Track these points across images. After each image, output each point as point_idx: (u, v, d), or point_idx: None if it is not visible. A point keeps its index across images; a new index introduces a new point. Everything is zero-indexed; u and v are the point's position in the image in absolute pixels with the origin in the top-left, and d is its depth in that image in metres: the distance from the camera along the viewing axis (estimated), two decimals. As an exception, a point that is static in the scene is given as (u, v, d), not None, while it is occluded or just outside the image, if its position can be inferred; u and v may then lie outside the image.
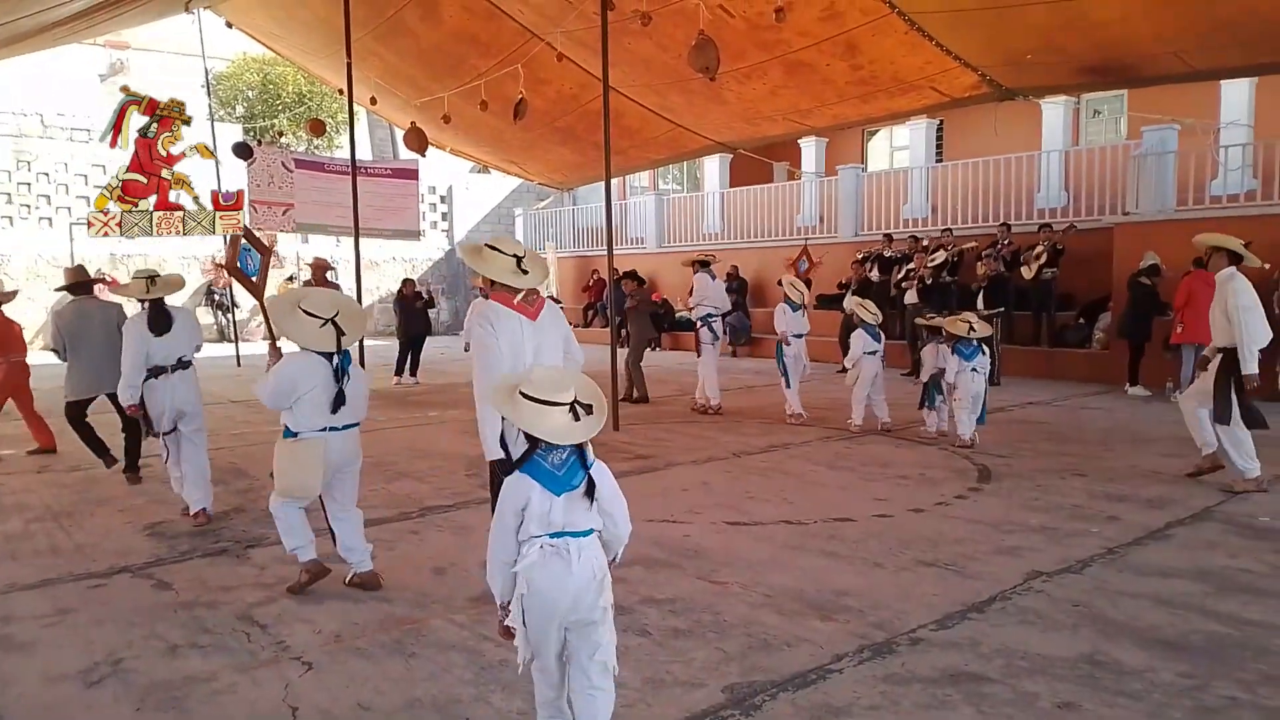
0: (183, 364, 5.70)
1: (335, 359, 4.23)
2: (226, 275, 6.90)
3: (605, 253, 9.73)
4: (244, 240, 5.74)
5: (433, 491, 6.40)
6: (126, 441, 6.76)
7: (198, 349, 5.92)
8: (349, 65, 12.12)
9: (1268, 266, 6.91)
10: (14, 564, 4.89)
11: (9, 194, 18.88)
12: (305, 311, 4.22)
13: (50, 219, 18.88)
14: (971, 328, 7.75)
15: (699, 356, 10.31)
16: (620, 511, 2.76)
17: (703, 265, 10.70)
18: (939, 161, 17.93)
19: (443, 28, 12.28)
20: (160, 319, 5.62)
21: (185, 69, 21.45)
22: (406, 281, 13.85)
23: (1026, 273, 12.72)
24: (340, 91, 14.22)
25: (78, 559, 4.95)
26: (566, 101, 13.44)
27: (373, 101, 15.19)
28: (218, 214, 10.21)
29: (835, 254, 15.79)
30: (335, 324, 4.23)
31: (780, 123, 13.45)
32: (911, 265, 13.57)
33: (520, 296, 3.90)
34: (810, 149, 19.58)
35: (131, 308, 6.08)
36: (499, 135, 15.33)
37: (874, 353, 8.65)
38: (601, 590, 2.67)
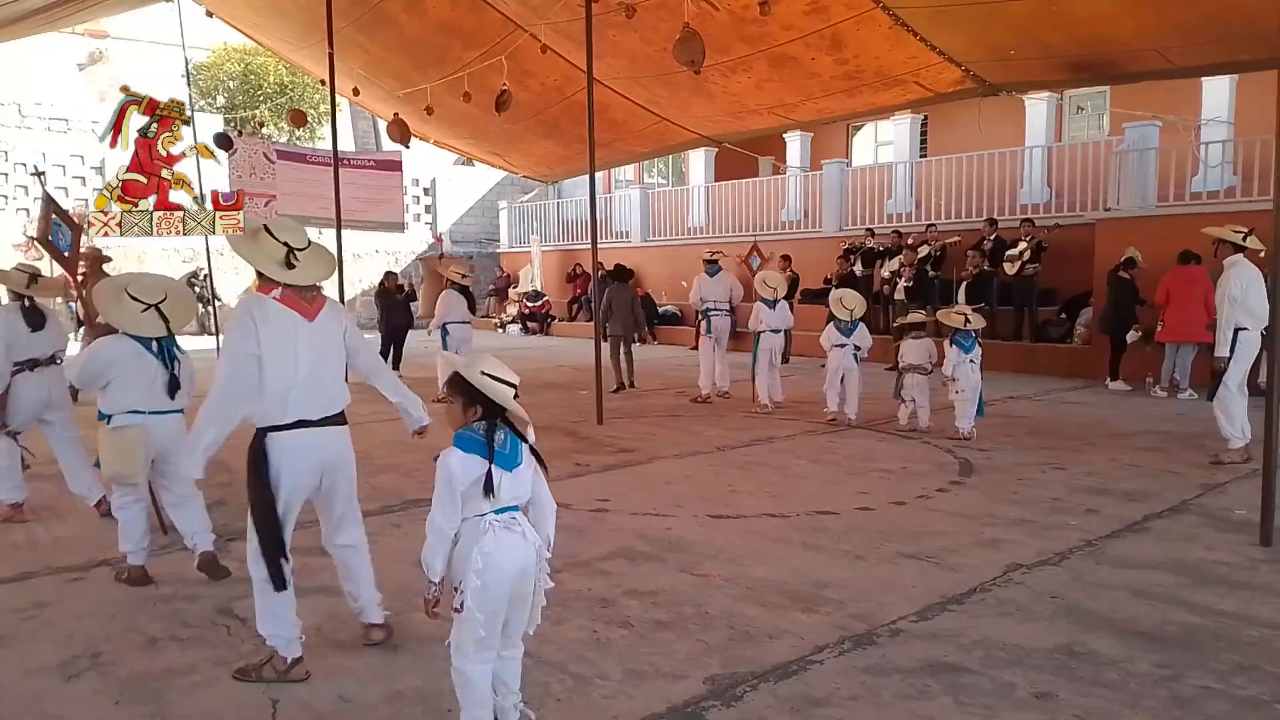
0: (55, 360, 5.69)
1: (156, 344, 4.36)
2: (39, 247, 7.07)
3: (589, 246, 9.73)
4: (55, 215, 5.85)
5: (416, 485, 6.39)
6: None
7: (63, 348, 5.89)
8: (331, 56, 12.04)
9: (1262, 253, 7.11)
10: (-9, 557, 4.85)
11: (-13, 184, 18.69)
12: (131, 296, 4.34)
13: (28, 210, 18.69)
14: (967, 319, 7.83)
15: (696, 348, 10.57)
16: (545, 487, 2.88)
17: (709, 263, 10.90)
18: (923, 156, 18.00)
19: (426, 18, 12.20)
20: (35, 315, 5.66)
21: (165, 59, 21.23)
22: (388, 274, 13.81)
23: (1009, 268, 12.80)
24: (322, 82, 14.14)
25: (56, 553, 4.92)
26: (550, 94, 13.39)
27: (355, 92, 15.09)
28: (218, 214, 10.22)
29: (819, 248, 15.84)
30: (159, 310, 4.32)
31: (765, 116, 13.44)
32: (901, 259, 13.59)
33: (278, 292, 3.44)
34: (795, 143, 19.62)
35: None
36: (483, 127, 15.25)
37: (842, 346, 8.75)
38: (540, 562, 2.80)
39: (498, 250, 25.12)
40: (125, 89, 7.56)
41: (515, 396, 2.78)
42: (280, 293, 3.43)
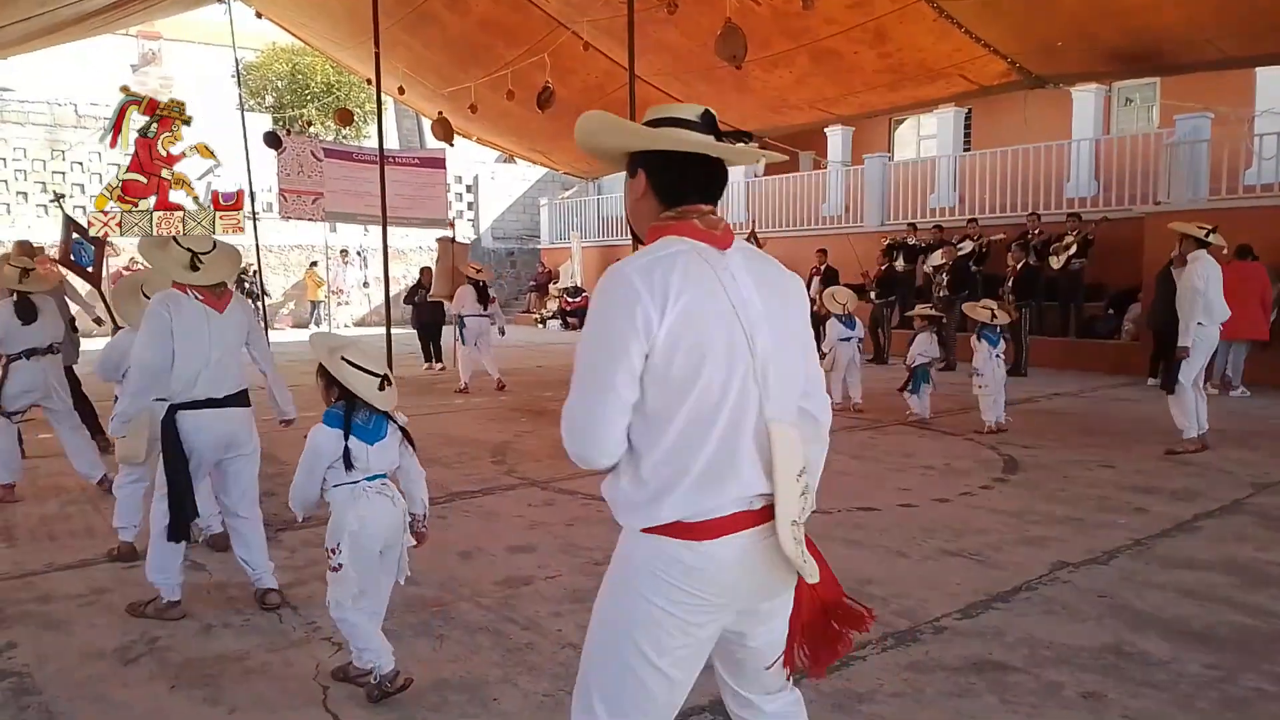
0: (53, 350, 6.15)
1: None
2: (60, 268, 7.75)
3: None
4: (75, 234, 6.29)
5: (459, 477, 6.47)
6: None
7: (59, 339, 6.33)
8: (377, 55, 12.17)
9: (1225, 250, 7.54)
10: (52, 545, 5.00)
11: (44, 183, 19.19)
12: (144, 294, 4.67)
13: (84, 208, 19.16)
14: (994, 314, 7.94)
15: None
16: (414, 459, 3.38)
17: None
18: (966, 150, 17.76)
19: (470, 17, 12.31)
20: (27, 310, 6.04)
21: (215, 59, 21.68)
22: (424, 270, 14.07)
23: (1055, 263, 12.60)
24: (368, 81, 14.32)
25: (113, 540, 5.03)
26: (592, 91, 13.43)
27: (400, 91, 15.26)
28: (218, 214, 10.50)
29: (861, 244, 15.70)
30: None
31: (806, 111, 13.37)
32: (943, 259, 13.44)
33: (198, 288, 3.92)
34: (837, 138, 19.46)
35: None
36: (525, 125, 15.36)
37: (847, 339, 9.19)
38: (406, 522, 3.27)
39: (538, 246, 25.26)
40: (125, 89, 7.82)
41: (382, 385, 3.17)
42: (192, 290, 3.94)
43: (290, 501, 3.24)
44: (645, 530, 1.78)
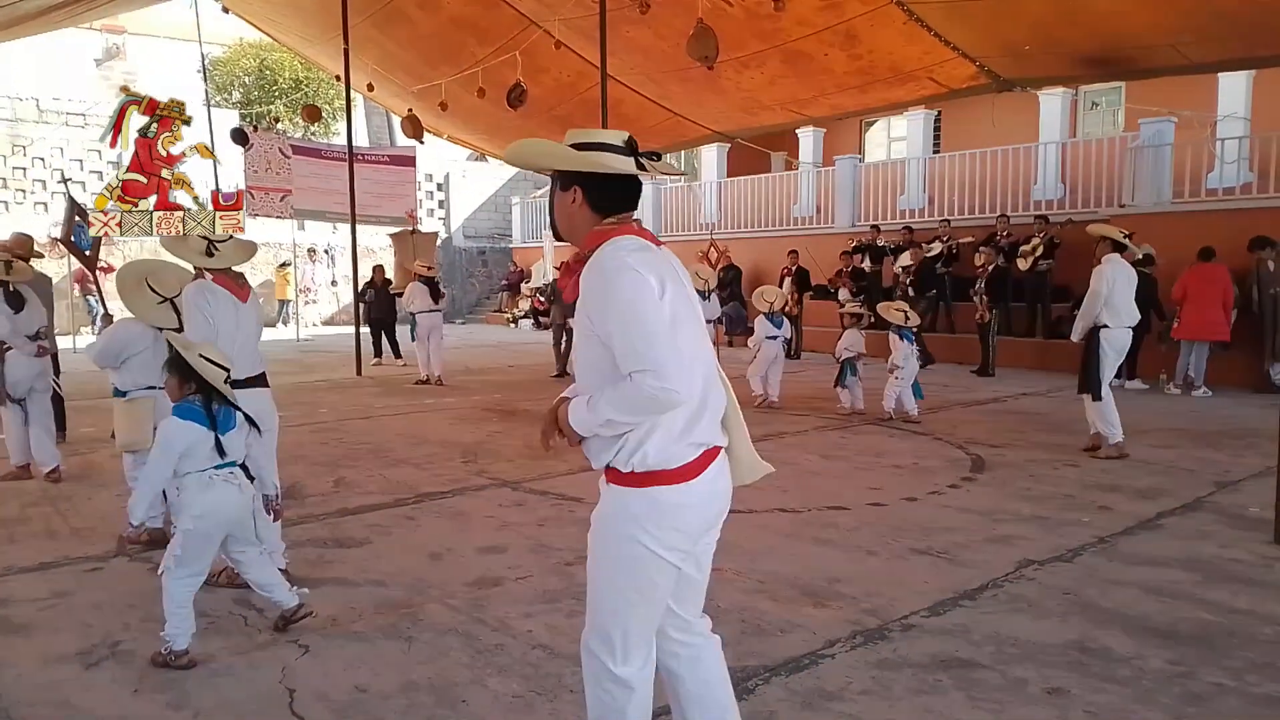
0: (39, 336, 6.26)
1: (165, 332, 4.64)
2: (62, 247, 7.90)
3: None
4: (77, 217, 6.37)
5: (429, 478, 6.43)
6: None
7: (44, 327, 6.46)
8: (346, 52, 12.08)
9: (1140, 255, 7.58)
10: (12, 547, 4.90)
11: (4, 179, 18.83)
12: (150, 287, 4.70)
13: (46, 204, 18.83)
14: (906, 315, 8.60)
15: None
16: (260, 444, 3.72)
17: None
18: (936, 152, 17.92)
19: (441, 14, 12.25)
20: (16, 298, 6.15)
21: (181, 54, 21.39)
22: (377, 268, 14.30)
23: (1022, 264, 12.75)
24: (337, 78, 14.19)
25: (75, 542, 4.96)
26: (564, 90, 13.41)
27: (370, 88, 15.16)
28: (218, 214, 10.37)
29: (832, 245, 15.81)
30: (174, 304, 4.61)
31: (778, 112, 13.45)
32: (910, 262, 13.56)
33: (222, 280, 4.16)
34: (808, 139, 19.58)
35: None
36: (496, 123, 15.30)
37: (774, 338, 9.49)
38: (258, 502, 3.63)
39: (510, 245, 25.17)
40: (125, 89, 7.83)
41: (227, 379, 3.47)
42: (214, 277, 4.15)
43: (136, 504, 3.47)
44: (640, 485, 2.15)
